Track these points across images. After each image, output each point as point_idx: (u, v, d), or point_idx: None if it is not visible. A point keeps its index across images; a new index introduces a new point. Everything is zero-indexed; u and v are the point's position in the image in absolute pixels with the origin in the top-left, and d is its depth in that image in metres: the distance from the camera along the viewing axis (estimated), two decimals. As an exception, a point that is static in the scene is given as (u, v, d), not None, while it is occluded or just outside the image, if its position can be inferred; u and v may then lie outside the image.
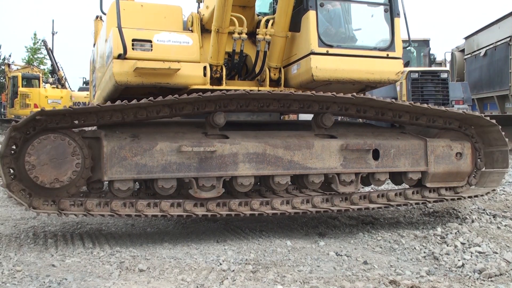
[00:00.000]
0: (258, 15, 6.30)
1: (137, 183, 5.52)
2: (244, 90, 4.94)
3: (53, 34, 37.04)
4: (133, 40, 5.26)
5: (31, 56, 46.12)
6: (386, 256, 4.61)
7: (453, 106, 13.67)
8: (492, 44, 15.80)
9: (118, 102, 4.50)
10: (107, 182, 4.70)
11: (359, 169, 5.29)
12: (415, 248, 4.79)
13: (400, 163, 5.44)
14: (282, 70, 5.85)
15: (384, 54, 5.63)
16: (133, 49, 5.24)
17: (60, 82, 28.62)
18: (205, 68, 5.51)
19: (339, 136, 5.34)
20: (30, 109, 23.24)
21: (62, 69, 29.84)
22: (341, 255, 4.54)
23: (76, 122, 4.64)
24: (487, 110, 16.38)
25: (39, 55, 46.55)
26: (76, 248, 4.63)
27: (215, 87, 5.48)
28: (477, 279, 3.88)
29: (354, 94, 5.12)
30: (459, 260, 4.29)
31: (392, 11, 5.73)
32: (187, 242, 4.99)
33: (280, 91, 5.35)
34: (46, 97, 24.77)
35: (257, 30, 5.65)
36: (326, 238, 5.26)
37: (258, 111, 5.43)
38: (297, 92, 4.97)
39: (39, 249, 4.62)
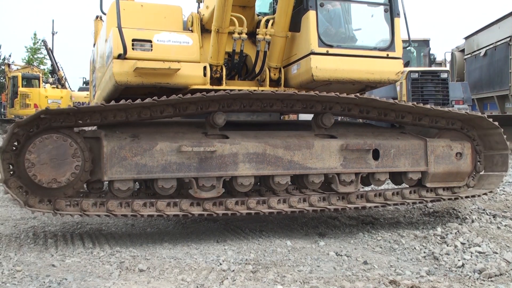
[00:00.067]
0: (258, 15, 6.30)
1: (137, 183, 5.52)
2: (248, 90, 4.94)
3: (53, 34, 37.10)
4: (133, 40, 5.26)
5: (31, 56, 46.16)
6: (386, 256, 4.61)
7: (453, 106, 13.66)
8: (492, 44, 15.81)
9: (122, 102, 4.50)
10: (107, 182, 4.71)
11: (359, 169, 5.29)
12: (415, 248, 4.79)
13: (400, 163, 5.44)
14: (282, 70, 5.85)
15: (384, 54, 5.63)
16: (133, 49, 5.24)
17: (60, 82, 28.64)
18: (205, 68, 5.51)
19: (339, 136, 5.34)
20: (30, 109, 23.30)
21: (62, 69, 29.89)
22: (341, 255, 4.54)
23: (81, 121, 4.65)
24: (487, 110, 16.39)
25: (39, 55, 46.61)
26: (76, 248, 4.63)
27: (215, 87, 5.48)
28: (477, 279, 3.88)
29: (357, 94, 5.12)
30: (459, 260, 4.29)
31: (392, 11, 5.72)
32: (187, 242, 4.99)
33: (284, 91, 5.35)
34: (46, 97, 24.79)
35: (257, 30, 5.65)
36: (326, 238, 5.26)
37: (261, 111, 5.43)
38: (300, 92, 4.97)
39: (39, 249, 4.62)
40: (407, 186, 5.71)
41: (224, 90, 4.87)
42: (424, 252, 4.65)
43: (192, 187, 4.77)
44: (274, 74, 5.81)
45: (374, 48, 5.69)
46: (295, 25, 5.64)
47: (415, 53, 16.67)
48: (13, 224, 5.87)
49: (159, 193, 4.78)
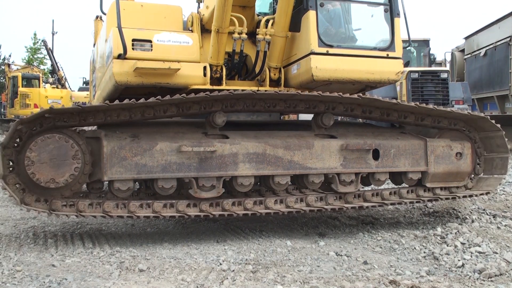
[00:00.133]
0: (258, 15, 6.30)
1: (137, 183, 5.51)
2: (251, 90, 4.94)
3: (53, 34, 37.09)
4: (133, 40, 5.26)
5: (31, 56, 46.13)
6: (386, 256, 4.61)
7: (453, 106, 13.67)
8: (492, 44, 15.81)
9: (126, 101, 4.50)
10: (107, 182, 4.70)
11: (359, 169, 5.29)
12: (415, 248, 4.79)
13: (400, 163, 5.44)
14: (282, 70, 5.85)
15: (384, 54, 5.63)
16: (133, 49, 5.24)
17: (60, 82, 28.63)
18: (205, 68, 5.51)
19: (339, 136, 5.34)
20: (30, 109, 23.27)
21: (62, 69, 29.86)
22: (341, 255, 4.54)
23: (84, 121, 4.65)
24: (487, 110, 16.39)
25: (39, 55, 46.58)
26: (76, 248, 4.63)
27: (215, 87, 5.48)
28: (477, 279, 3.88)
29: (360, 94, 5.12)
30: (459, 260, 4.29)
31: (392, 11, 5.73)
32: (187, 242, 4.99)
33: (287, 91, 5.35)
34: (46, 97, 24.76)
35: (257, 30, 5.65)
36: (326, 238, 5.26)
37: (264, 111, 5.43)
38: (303, 92, 4.97)
39: (39, 249, 4.62)
40: (407, 186, 5.71)
41: (224, 90, 4.86)
42: (424, 252, 4.65)
43: (192, 187, 4.77)
44: (274, 74, 5.81)
45: (374, 48, 5.69)
46: (295, 25, 5.64)
47: (415, 53, 16.67)
48: (13, 224, 5.87)
49: (159, 193, 4.78)
